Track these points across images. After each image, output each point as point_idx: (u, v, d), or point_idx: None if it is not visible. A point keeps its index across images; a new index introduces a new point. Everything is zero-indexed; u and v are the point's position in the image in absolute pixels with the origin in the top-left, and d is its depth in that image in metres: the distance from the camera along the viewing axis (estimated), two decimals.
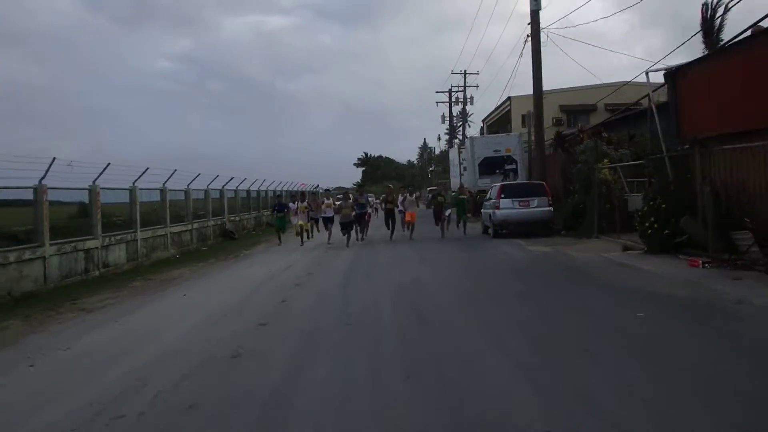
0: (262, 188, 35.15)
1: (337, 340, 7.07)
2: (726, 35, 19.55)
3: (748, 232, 11.33)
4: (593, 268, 11.89)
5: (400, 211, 21.25)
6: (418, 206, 23.32)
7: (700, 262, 11.25)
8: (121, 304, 10.77)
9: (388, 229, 21.10)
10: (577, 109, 40.22)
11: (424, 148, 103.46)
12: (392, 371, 5.69)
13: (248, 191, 32.50)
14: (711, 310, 7.73)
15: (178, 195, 21.95)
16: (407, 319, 7.97)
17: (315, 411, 4.76)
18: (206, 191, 25.08)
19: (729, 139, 12.04)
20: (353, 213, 19.98)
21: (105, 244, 15.81)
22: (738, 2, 17.34)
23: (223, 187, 27.01)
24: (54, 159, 13.39)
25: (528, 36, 21.36)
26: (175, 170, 20.70)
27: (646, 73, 14.04)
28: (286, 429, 4.46)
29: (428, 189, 58.61)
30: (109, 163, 15.89)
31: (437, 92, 61.16)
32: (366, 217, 21.04)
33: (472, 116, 60.65)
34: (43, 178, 13.33)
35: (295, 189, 39.69)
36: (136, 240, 17.65)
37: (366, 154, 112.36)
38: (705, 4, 24.00)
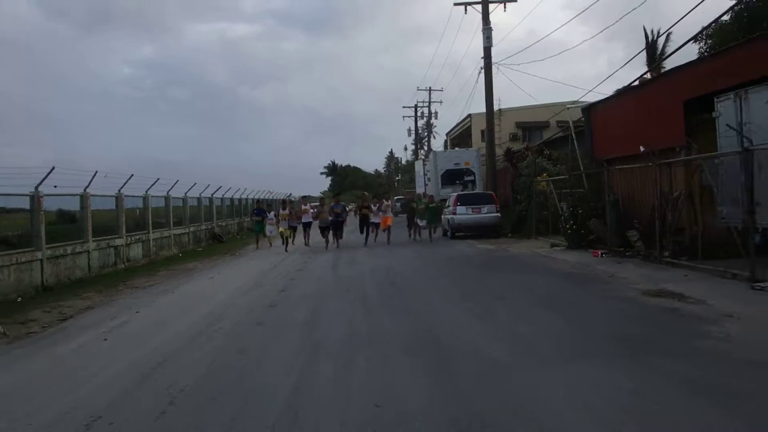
0: (243, 196, 38.47)
1: (338, 296, 10.72)
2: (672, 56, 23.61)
3: (635, 231, 15.38)
4: (522, 258, 15.80)
5: (373, 222, 22.51)
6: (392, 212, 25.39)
7: (600, 253, 15.25)
8: (163, 284, 14.20)
9: (362, 234, 22.59)
10: (531, 125, 44.15)
11: (391, 158, 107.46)
12: (376, 308, 9.38)
13: (231, 199, 35.80)
14: (588, 279, 11.64)
15: (176, 202, 25.21)
16: (384, 285, 11.69)
17: (333, 325, 8.38)
18: (199, 199, 28.38)
19: (627, 160, 16.12)
20: (330, 219, 21.82)
21: (127, 242, 19.11)
22: (674, 25, 21.54)
23: (212, 195, 30.32)
24: (96, 172, 16.76)
25: (482, 68, 25.39)
26: (177, 181, 24.03)
27: (567, 108, 18.08)
28: (319, 332, 8.06)
29: (396, 198, 62.36)
30: (132, 175, 19.26)
31: (404, 107, 66.61)
32: (342, 224, 22.51)
33: (436, 128, 65.00)
34: (87, 186, 16.63)
35: (269, 198, 42.93)
36: (149, 240, 20.95)
37: (333, 163, 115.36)
38: (647, 30, 28.26)
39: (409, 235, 23.83)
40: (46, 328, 9.42)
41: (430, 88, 55.99)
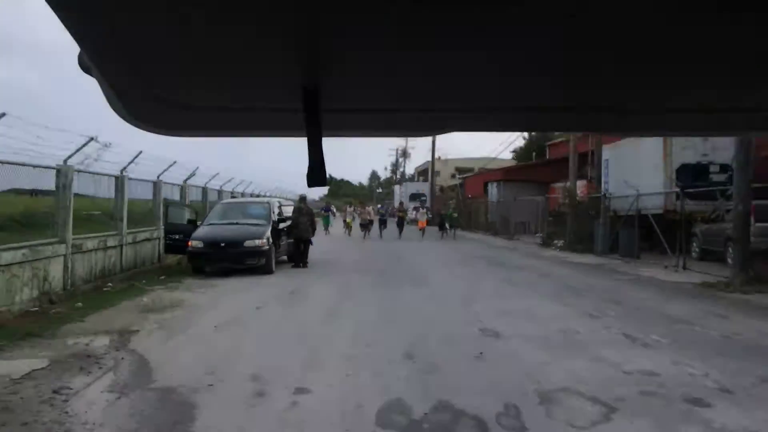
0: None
1: (400, 258, 39.91)
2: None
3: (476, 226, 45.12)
4: (435, 234, 45.47)
5: (412, 219, 44.96)
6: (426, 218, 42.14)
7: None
8: None
9: (398, 230, 38.22)
10: (464, 169, 74.31)
11: (374, 176, 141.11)
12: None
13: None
14: (439, 240, 41.28)
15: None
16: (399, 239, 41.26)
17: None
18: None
19: (473, 198, 45.72)
20: (371, 218, 38.29)
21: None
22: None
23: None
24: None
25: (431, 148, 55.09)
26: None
27: (456, 177, 47.86)
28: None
29: (378, 206, 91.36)
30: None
31: (389, 149, 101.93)
32: (386, 221, 38.41)
33: (411, 156, 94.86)
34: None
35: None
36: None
37: (330, 176, 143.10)
38: None
39: (440, 233, 39.30)
40: None
41: (407, 139, 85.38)
